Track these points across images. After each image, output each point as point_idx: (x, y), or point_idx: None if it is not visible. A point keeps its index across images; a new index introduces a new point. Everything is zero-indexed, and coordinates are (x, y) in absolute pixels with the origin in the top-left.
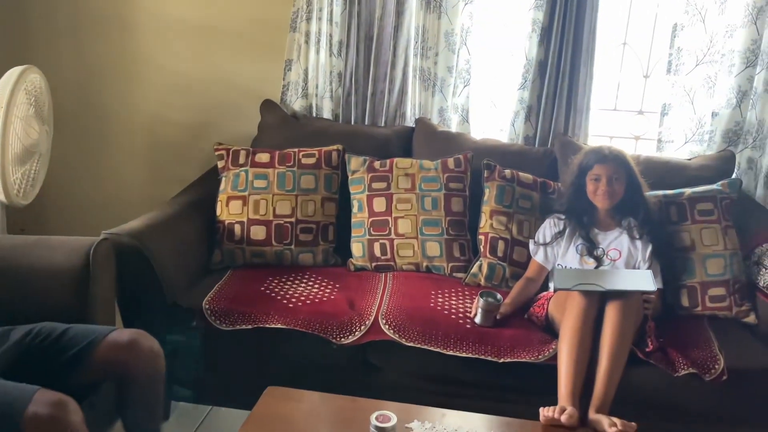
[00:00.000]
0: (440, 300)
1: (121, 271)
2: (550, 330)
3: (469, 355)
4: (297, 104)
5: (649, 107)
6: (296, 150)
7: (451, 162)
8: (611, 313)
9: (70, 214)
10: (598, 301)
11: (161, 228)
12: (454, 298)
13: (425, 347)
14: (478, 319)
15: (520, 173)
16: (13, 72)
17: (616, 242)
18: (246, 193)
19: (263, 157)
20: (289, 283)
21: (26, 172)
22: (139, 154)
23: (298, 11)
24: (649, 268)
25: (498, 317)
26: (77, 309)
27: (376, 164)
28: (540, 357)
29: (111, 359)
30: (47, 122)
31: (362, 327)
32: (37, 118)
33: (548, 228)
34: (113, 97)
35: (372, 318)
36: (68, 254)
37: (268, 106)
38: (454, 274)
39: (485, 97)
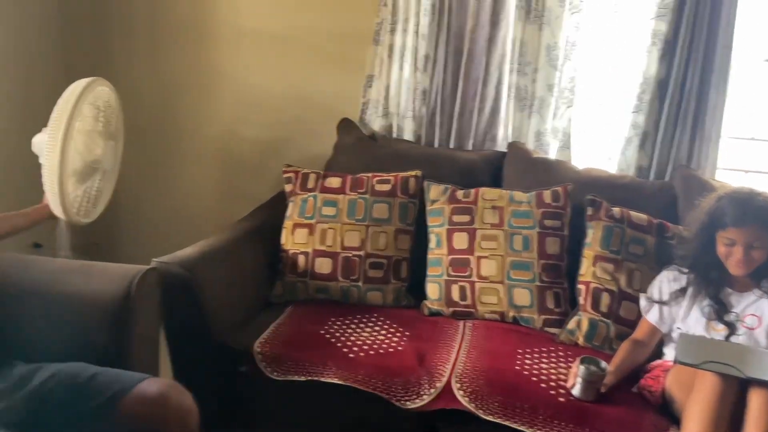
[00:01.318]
0: (528, 362)
1: (170, 305)
2: (667, 411)
3: None
4: (376, 124)
5: None
6: (370, 175)
7: (547, 195)
8: (757, 404)
9: (143, 230)
10: (738, 384)
11: (217, 256)
12: (545, 360)
13: (507, 423)
14: (576, 392)
15: (632, 212)
16: (78, 84)
17: (754, 306)
18: (313, 221)
19: (334, 181)
20: (353, 326)
21: (88, 190)
22: (212, 171)
23: (383, 23)
24: None
25: (602, 390)
26: (115, 347)
27: (459, 194)
28: None
29: (137, 414)
30: (115, 137)
31: (432, 390)
32: (103, 132)
33: (665, 282)
34: (188, 111)
35: (444, 379)
36: (109, 283)
37: (345, 125)
38: (547, 329)
39: (591, 121)
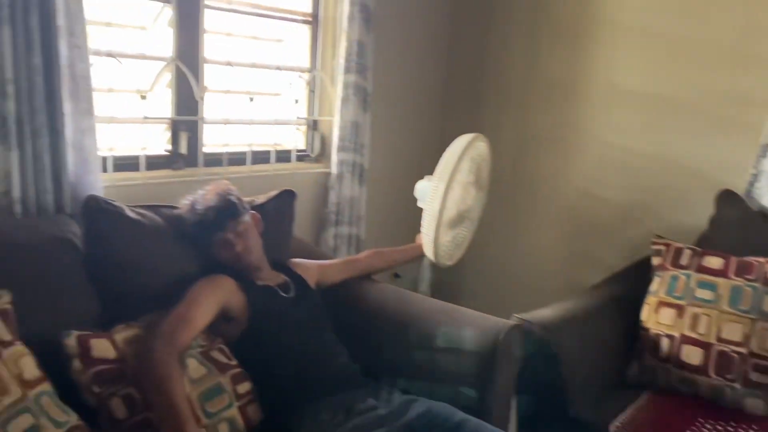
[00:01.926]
0: None
1: (527, 365)
2: None
3: None
4: None
5: None
6: (762, 260)
7: None
8: None
9: (485, 276)
10: None
11: (575, 323)
12: None
13: None
14: None
15: None
16: (463, 139)
17: None
18: (683, 302)
19: (714, 261)
20: None
21: (455, 236)
22: (563, 230)
23: None
24: None
25: None
26: (476, 396)
27: None
28: None
29: None
30: (483, 189)
31: None
32: (475, 184)
33: None
34: (546, 167)
35: None
36: (478, 332)
37: (726, 197)
38: None
39: None
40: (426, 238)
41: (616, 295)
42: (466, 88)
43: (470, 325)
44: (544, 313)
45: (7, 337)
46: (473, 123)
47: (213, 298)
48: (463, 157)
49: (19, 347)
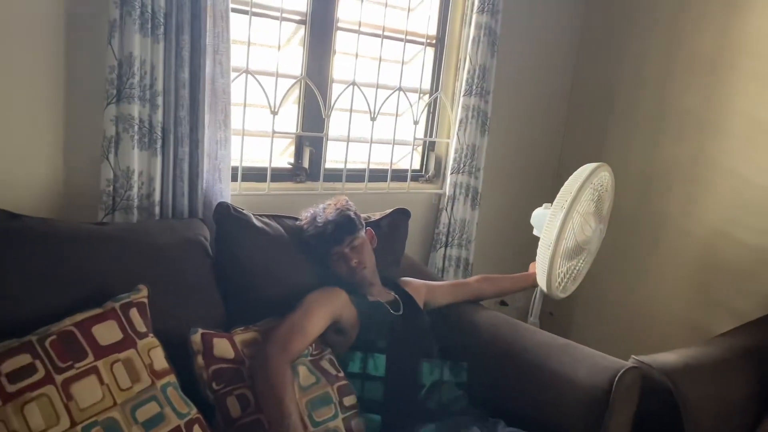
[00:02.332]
0: None
1: (645, 414)
2: None
3: None
4: None
5: None
6: None
7: None
8: None
9: (596, 311)
10: None
11: (701, 372)
12: None
13: None
14: None
15: None
16: (586, 168)
17: None
18: None
19: None
20: None
21: (571, 268)
22: (687, 271)
23: None
24: None
25: None
26: None
27: None
28: None
29: None
30: (604, 221)
31: None
32: (596, 215)
33: None
34: (673, 202)
35: None
36: (592, 372)
37: None
38: None
39: None
40: (540, 268)
41: (749, 346)
42: (590, 115)
43: (585, 362)
44: (667, 357)
45: (143, 328)
46: (595, 152)
47: (326, 308)
48: (585, 185)
49: (152, 339)
